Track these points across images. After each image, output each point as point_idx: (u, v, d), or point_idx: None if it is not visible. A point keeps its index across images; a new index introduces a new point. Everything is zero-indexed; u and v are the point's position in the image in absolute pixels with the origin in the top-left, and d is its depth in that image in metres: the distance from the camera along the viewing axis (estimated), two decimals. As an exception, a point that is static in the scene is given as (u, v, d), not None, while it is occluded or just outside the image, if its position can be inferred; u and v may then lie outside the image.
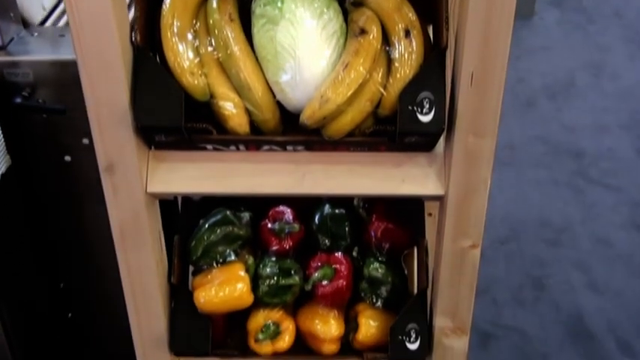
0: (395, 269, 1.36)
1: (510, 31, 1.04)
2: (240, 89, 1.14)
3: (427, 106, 1.10)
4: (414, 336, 1.30)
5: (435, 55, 1.11)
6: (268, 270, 1.31)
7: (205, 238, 1.31)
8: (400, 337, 1.30)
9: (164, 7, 1.11)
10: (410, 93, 1.10)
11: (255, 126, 1.17)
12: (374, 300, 1.35)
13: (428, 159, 1.19)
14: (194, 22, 1.13)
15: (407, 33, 1.12)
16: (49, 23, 1.74)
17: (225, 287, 1.29)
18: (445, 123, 1.12)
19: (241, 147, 1.19)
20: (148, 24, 1.14)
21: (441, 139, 1.17)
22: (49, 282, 1.85)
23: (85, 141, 1.62)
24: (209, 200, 1.37)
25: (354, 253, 1.37)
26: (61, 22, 1.75)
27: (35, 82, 1.55)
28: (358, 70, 1.10)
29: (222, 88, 1.14)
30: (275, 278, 1.31)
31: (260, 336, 1.34)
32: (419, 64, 1.12)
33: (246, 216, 1.34)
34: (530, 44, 3.91)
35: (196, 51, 1.13)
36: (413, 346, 1.30)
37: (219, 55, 1.13)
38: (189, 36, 1.12)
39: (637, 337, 2.31)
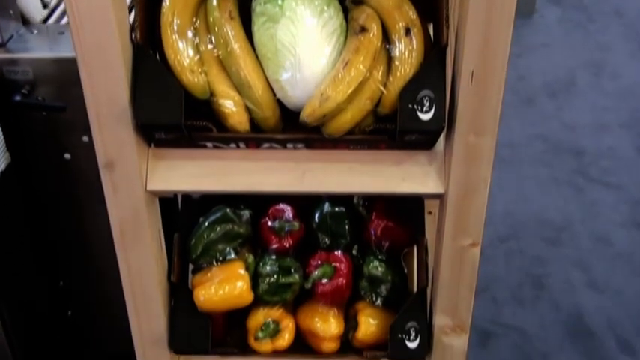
0: (395, 267, 1.36)
1: (511, 30, 1.04)
2: (240, 87, 1.14)
3: (427, 104, 1.10)
4: (413, 334, 1.30)
5: (435, 54, 1.11)
6: (268, 268, 1.31)
7: (205, 236, 1.31)
8: (400, 335, 1.30)
9: (164, 4, 1.11)
10: (410, 91, 1.10)
11: (255, 124, 1.17)
12: (374, 298, 1.35)
13: (428, 157, 1.19)
14: (194, 19, 1.13)
15: (407, 31, 1.11)
16: (48, 20, 1.74)
17: (224, 285, 1.29)
18: (445, 121, 1.11)
19: (241, 145, 1.19)
20: (147, 22, 1.14)
21: (441, 138, 1.17)
22: (48, 280, 1.85)
23: (85, 139, 1.62)
24: (209, 198, 1.37)
25: (354, 252, 1.37)
26: (53, 18, 1.75)
27: (35, 80, 1.55)
28: (358, 68, 1.10)
29: (222, 85, 1.14)
30: (275, 276, 1.31)
31: (260, 334, 1.34)
32: (419, 63, 1.12)
33: (246, 214, 1.34)
34: (531, 42, 3.91)
35: (196, 49, 1.13)
36: (413, 345, 1.30)
37: (220, 52, 1.13)
38: (189, 34, 1.12)
39: (637, 335, 2.31)
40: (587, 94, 3.52)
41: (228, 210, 1.33)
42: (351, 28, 1.13)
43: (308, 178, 1.19)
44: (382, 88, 1.12)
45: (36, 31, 1.64)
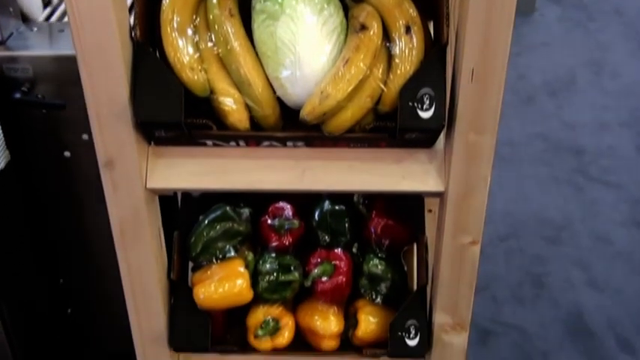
0: (395, 266, 1.36)
1: (511, 28, 1.04)
2: (240, 85, 1.14)
3: (427, 102, 1.10)
4: (413, 332, 1.30)
5: (435, 52, 1.11)
6: (268, 266, 1.31)
7: (205, 234, 1.31)
8: (400, 333, 1.30)
9: (164, 2, 1.11)
10: (410, 89, 1.10)
11: (255, 122, 1.17)
12: (373, 296, 1.35)
13: (428, 155, 1.18)
14: (194, 17, 1.13)
15: (407, 29, 1.11)
16: (50, 19, 1.74)
17: (224, 283, 1.29)
18: (445, 119, 1.11)
19: (241, 143, 1.18)
20: (147, 19, 1.14)
21: (442, 136, 1.17)
22: (48, 278, 1.85)
23: (85, 136, 1.61)
24: (209, 196, 1.37)
25: (354, 250, 1.37)
26: (56, 16, 1.74)
27: (35, 78, 1.55)
28: (358, 66, 1.10)
29: (222, 83, 1.14)
30: (275, 274, 1.31)
31: (259, 332, 1.34)
32: (419, 61, 1.12)
33: (245, 212, 1.34)
34: (531, 41, 3.91)
35: (196, 46, 1.13)
36: (412, 343, 1.30)
37: (219, 50, 1.13)
38: (189, 31, 1.12)
39: (637, 334, 2.31)
40: (587, 93, 3.52)
41: (228, 208, 1.33)
42: (351, 26, 1.13)
43: (308, 176, 1.19)
44: (382, 86, 1.12)
45: (35, 29, 1.64)
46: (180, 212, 1.40)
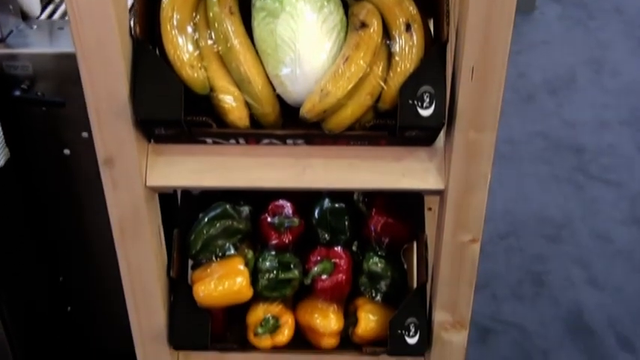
0: (394, 264, 1.36)
1: (511, 26, 1.04)
2: (240, 83, 1.14)
3: (427, 100, 1.09)
4: (413, 330, 1.30)
5: (435, 49, 1.11)
6: (268, 264, 1.31)
7: (205, 232, 1.31)
8: (399, 331, 1.30)
9: (164, -1, 1.11)
10: (410, 87, 1.10)
11: (255, 119, 1.17)
12: (373, 294, 1.35)
13: (428, 153, 1.18)
14: (194, 14, 1.13)
15: (408, 27, 1.11)
16: (47, 15, 1.74)
17: (224, 281, 1.29)
18: (445, 117, 1.11)
19: (241, 141, 1.18)
20: (147, 16, 1.13)
21: (442, 134, 1.17)
22: (48, 276, 1.85)
23: (85, 134, 1.61)
24: (208, 194, 1.37)
25: (354, 248, 1.37)
26: (58, 15, 1.74)
27: (34, 75, 1.55)
28: (358, 64, 1.10)
29: (222, 81, 1.13)
30: (274, 272, 1.31)
31: (259, 330, 1.34)
32: (419, 58, 1.12)
33: (245, 210, 1.34)
34: (531, 39, 3.91)
35: (196, 44, 1.13)
36: (412, 341, 1.30)
37: (219, 48, 1.13)
38: (189, 29, 1.12)
39: (637, 332, 2.31)
40: (587, 92, 3.52)
41: (227, 206, 1.33)
42: (351, 24, 1.13)
43: (308, 174, 1.19)
44: (382, 83, 1.12)
45: (35, 26, 1.63)
46: (180, 210, 1.40)
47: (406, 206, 1.37)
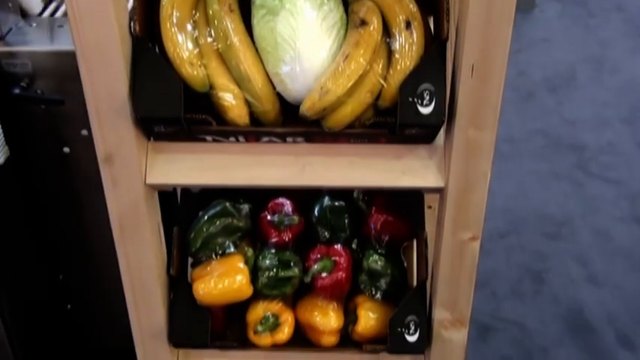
0: (394, 261, 1.36)
1: (511, 24, 1.03)
2: (239, 80, 1.13)
3: (427, 97, 1.09)
4: (413, 328, 1.30)
5: (435, 47, 1.11)
6: (267, 262, 1.31)
7: (204, 229, 1.31)
8: (399, 329, 1.30)
9: (163, -3, 1.11)
10: (410, 85, 1.10)
11: (254, 117, 1.16)
12: (373, 292, 1.35)
13: (428, 151, 1.18)
14: (193, 12, 1.13)
15: (407, 24, 1.11)
16: (47, 14, 1.74)
17: (224, 279, 1.29)
18: (445, 115, 1.11)
19: (241, 138, 1.18)
20: (147, 14, 1.13)
21: (441, 132, 1.17)
22: (48, 273, 1.85)
23: (84, 132, 1.61)
24: (208, 192, 1.37)
25: (354, 246, 1.36)
26: (59, 13, 1.74)
27: (34, 73, 1.55)
28: (358, 62, 1.09)
29: (221, 79, 1.13)
30: (274, 270, 1.31)
31: (259, 328, 1.34)
32: (419, 56, 1.11)
33: (245, 208, 1.34)
34: (531, 37, 3.91)
35: (196, 42, 1.12)
36: (412, 338, 1.30)
37: (219, 46, 1.13)
38: (189, 26, 1.12)
39: (637, 330, 2.31)
40: (587, 89, 3.52)
41: (227, 204, 1.33)
42: (351, 22, 1.13)
43: (308, 172, 1.18)
44: (382, 81, 1.12)
45: (35, 24, 1.63)
46: (180, 208, 1.40)
47: (406, 204, 1.37)
